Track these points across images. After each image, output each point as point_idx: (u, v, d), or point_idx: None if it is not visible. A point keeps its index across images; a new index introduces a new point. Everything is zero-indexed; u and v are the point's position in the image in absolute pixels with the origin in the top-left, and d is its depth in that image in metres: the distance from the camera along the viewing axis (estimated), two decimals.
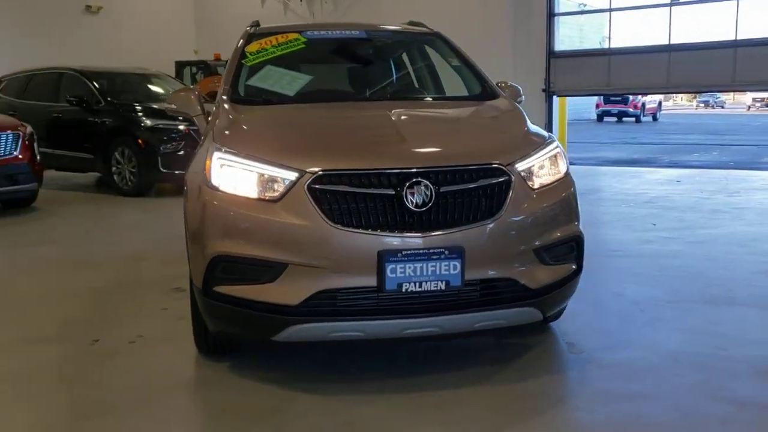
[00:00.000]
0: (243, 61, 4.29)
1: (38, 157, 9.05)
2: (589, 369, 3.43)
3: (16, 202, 9.09)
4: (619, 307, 4.34)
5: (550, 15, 13.26)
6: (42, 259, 5.99)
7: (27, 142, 8.82)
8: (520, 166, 3.22)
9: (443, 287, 2.98)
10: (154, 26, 17.37)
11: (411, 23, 5.13)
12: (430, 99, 4.31)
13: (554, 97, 13.46)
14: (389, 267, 2.93)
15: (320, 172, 3.00)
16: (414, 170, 3.01)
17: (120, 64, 13.42)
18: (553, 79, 13.28)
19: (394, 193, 2.96)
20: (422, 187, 2.97)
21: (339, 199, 2.98)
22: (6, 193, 8.75)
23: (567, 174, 3.47)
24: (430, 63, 4.79)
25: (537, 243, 3.19)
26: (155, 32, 17.15)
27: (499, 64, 13.25)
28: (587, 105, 37.24)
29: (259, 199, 3.06)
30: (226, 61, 13.91)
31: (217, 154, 3.23)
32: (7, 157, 8.50)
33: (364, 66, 4.81)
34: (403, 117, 3.66)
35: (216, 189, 3.14)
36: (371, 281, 2.95)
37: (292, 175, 3.02)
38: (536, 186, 3.26)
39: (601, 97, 30.68)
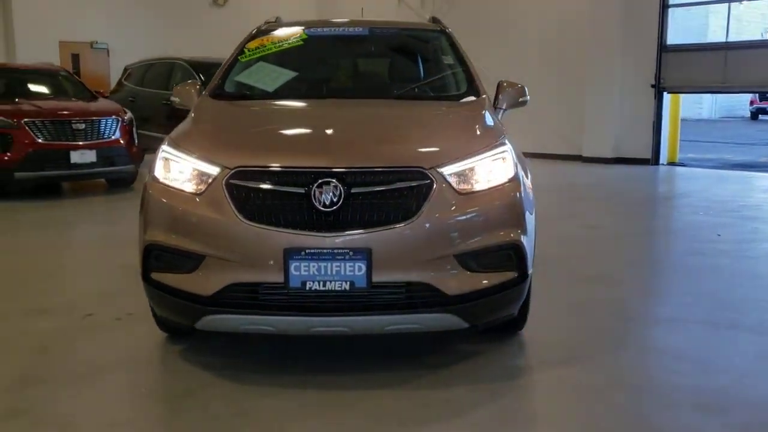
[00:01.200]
0: (239, 57, 4.43)
1: (136, 141, 9.79)
2: (512, 384, 3.30)
3: (118, 182, 9.89)
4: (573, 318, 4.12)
5: (664, 6, 12.49)
6: (109, 237, 6.46)
7: (126, 127, 9.56)
8: (448, 169, 3.14)
9: (348, 288, 2.98)
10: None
11: (433, 20, 5.09)
12: (403, 98, 4.26)
13: (665, 94, 12.69)
14: (293, 265, 2.97)
15: (237, 169, 3.09)
16: (324, 170, 3.03)
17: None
18: (664, 74, 12.52)
19: (303, 191, 3.00)
20: (331, 187, 2.98)
21: (252, 195, 3.06)
22: (106, 174, 9.55)
23: (513, 179, 3.32)
24: (430, 61, 4.72)
25: (459, 249, 3.10)
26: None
27: (605, 58, 12.74)
28: (741, 102, 34.79)
29: (188, 192, 3.19)
30: None
31: (162, 147, 3.40)
32: (107, 140, 9.26)
33: (356, 63, 4.82)
34: (351, 116, 3.68)
35: (156, 180, 3.32)
36: (279, 278, 3.00)
37: (215, 171, 3.13)
38: (467, 190, 3.17)
39: (756, 94, 28.56)
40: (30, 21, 14.91)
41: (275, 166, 3.09)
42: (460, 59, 4.37)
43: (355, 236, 2.98)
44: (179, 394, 3.17)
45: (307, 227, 2.99)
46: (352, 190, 3.01)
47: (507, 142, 3.46)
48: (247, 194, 3.06)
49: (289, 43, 4.52)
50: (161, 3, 16.48)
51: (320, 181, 3.00)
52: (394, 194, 3.04)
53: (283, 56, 4.46)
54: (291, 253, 2.97)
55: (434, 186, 3.07)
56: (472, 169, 3.23)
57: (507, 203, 3.26)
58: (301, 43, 4.54)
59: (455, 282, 3.11)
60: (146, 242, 3.26)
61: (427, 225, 3.04)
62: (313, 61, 4.65)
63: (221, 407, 3.01)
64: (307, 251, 2.97)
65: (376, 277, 3.01)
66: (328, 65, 4.74)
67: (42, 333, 3.93)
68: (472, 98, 3.98)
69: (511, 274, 3.29)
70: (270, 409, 3.00)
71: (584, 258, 5.73)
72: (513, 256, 3.28)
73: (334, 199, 2.98)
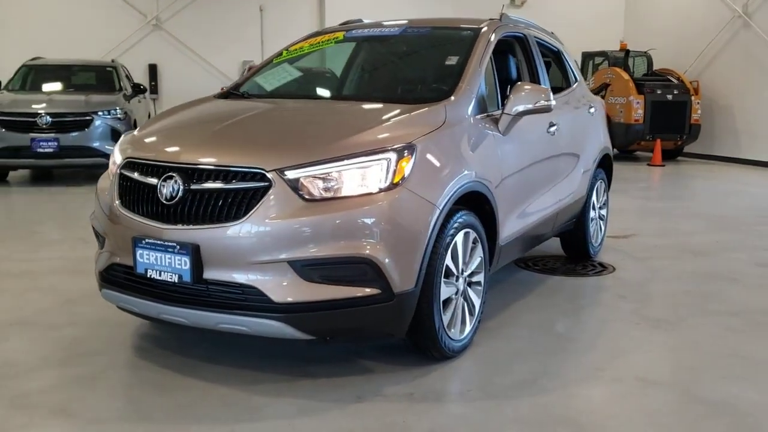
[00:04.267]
0: (274, 59, 4.69)
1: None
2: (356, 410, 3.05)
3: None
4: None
5: None
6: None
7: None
8: (293, 173, 3.04)
9: (176, 280, 3.10)
10: (581, 18, 17.49)
11: (501, 17, 4.74)
12: (359, 99, 4.03)
13: None
14: (138, 252, 3.18)
15: (127, 160, 3.40)
16: (170, 164, 3.18)
17: None
18: None
19: (155, 184, 3.19)
20: (172, 182, 3.12)
21: (128, 184, 3.35)
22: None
23: (386, 191, 3.07)
24: (433, 61, 4.42)
25: (294, 256, 3.00)
26: (581, 24, 17.26)
27: None
28: None
29: (108, 179, 3.60)
30: (628, 51, 13.63)
31: (122, 137, 3.85)
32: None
33: (363, 66, 4.68)
34: (257, 116, 3.72)
35: (109, 166, 3.78)
36: (131, 262, 3.25)
37: (119, 160, 3.49)
38: (315, 196, 3.03)
39: None
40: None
41: (141, 159, 3.33)
42: (465, 61, 4.02)
43: (183, 231, 3.08)
44: (85, 377, 3.58)
45: (152, 218, 3.18)
46: (191, 186, 3.10)
47: (407, 149, 3.18)
48: (125, 183, 3.36)
49: (320, 46, 4.63)
50: (446, 5, 17.02)
51: (165, 175, 3.16)
52: (229, 193, 3.05)
53: (306, 59, 4.59)
54: (137, 241, 3.18)
55: (271, 188, 3.01)
56: (327, 175, 3.07)
57: (367, 215, 3.03)
58: (333, 44, 4.62)
59: (286, 290, 3.01)
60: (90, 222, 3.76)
61: (257, 227, 2.99)
62: (344, 62, 4.70)
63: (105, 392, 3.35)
64: (146, 241, 3.15)
65: (209, 274, 3.06)
66: (351, 67, 4.73)
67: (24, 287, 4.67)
68: (434, 103, 3.66)
69: (370, 291, 3.06)
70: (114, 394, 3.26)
71: None
72: (369, 271, 3.04)
73: (173, 194, 3.11)
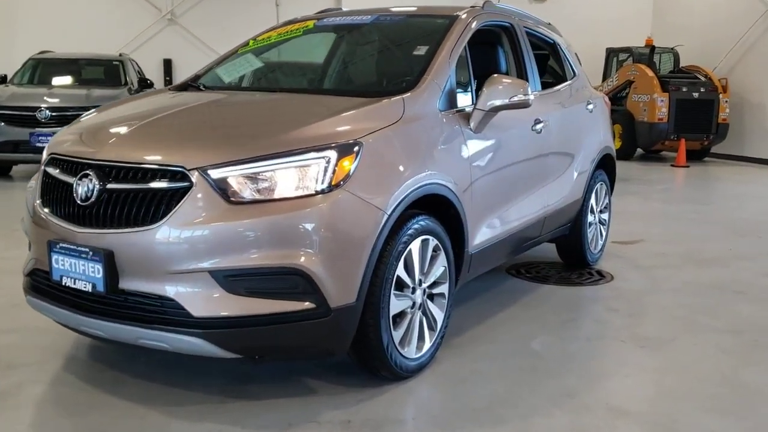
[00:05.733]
0: (239, 50, 4.38)
1: None
2: None
3: None
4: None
5: None
6: None
7: None
8: (217, 172, 2.72)
9: (90, 289, 2.80)
10: (608, 13, 16.95)
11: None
12: (315, 92, 3.71)
13: None
14: (53, 257, 2.90)
15: (50, 155, 3.12)
16: (87, 161, 2.88)
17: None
18: None
19: (72, 182, 2.90)
20: (88, 180, 2.83)
21: (48, 181, 3.07)
22: None
23: (324, 193, 2.75)
24: (401, 51, 4.06)
25: (216, 266, 2.68)
26: (607, 19, 16.74)
27: None
28: None
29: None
30: (653, 48, 13.11)
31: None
32: None
33: (340, 55, 4.33)
34: (211, 110, 3.40)
35: None
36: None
37: (45, 156, 3.20)
38: (242, 198, 2.71)
39: None
40: None
41: (62, 155, 3.04)
42: (434, 51, 3.67)
43: (96, 234, 2.78)
44: (11, 386, 3.31)
45: (67, 219, 2.89)
46: (108, 186, 2.80)
47: (351, 147, 2.85)
48: (47, 181, 3.08)
49: (288, 36, 4.31)
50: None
51: (81, 172, 2.87)
52: (147, 194, 2.75)
53: (270, 49, 4.28)
54: (52, 245, 2.90)
55: (192, 189, 2.70)
56: (256, 174, 2.74)
57: (299, 220, 2.71)
58: (301, 34, 4.30)
59: (207, 303, 2.70)
60: None
61: (175, 232, 2.68)
62: (289, 54, 4.37)
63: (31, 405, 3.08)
64: (61, 245, 2.87)
65: (126, 284, 2.76)
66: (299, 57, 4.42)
67: None
68: (392, 97, 3.32)
69: (303, 305, 2.74)
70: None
71: None
72: (301, 284, 2.72)
73: (89, 194, 2.82)
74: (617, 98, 14.19)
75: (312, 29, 4.33)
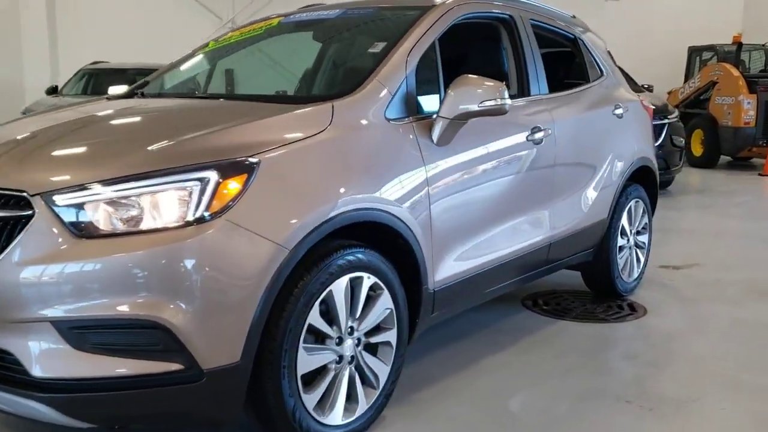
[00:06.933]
0: (198, 51, 3.90)
1: None
2: None
3: None
4: None
5: None
6: None
7: None
8: (62, 198, 2.20)
9: None
10: (694, 8, 15.70)
11: None
12: (253, 100, 3.13)
13: None
14: None
15: None
16: None
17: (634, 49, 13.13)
18: None
19: None
20: None
21: None
22: None
23: (196, 224, 2.19)
24: (358, 52, 3.45)
25: (59, 315, 2.16)
26: (693, 15, 15.50)
27: None
28: None
29: None
30: (740, 45, 11.99)
31: None
32: None
33: (289, 55, 3.78)
34: (105, 122, 2.89)
35: None
36: None
37: None
38: (96, 232, 2.18)
39: None
40: None
41: None
42: (390, 48, 3.05)
43: None
44: None
45: None
46: None
47: (240, 165, 2.29)
48: None
49: (249, 35, 3.79)
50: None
51: None
52: None
53: (226, 50, 3.78)
54: None
55: (34, 218, 2.19)
56: (110, 201, 2.21)
57: (160, 259, 2.16)
58: (262, 32, 3.77)
59: (48, 360, 2.19)
60: None
61: (11, 273, 2.18)
62: (242, 57, 3.83)
63: None
64: None
65: None
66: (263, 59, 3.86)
67: None
68: (319, 103, 2.73)
69: (168, 366, 2.20)
70: None
71: None
72: (163, 339, 2.17)
73: None
74: (699, 101, 13.02)
75: (275, 28, 3.78)
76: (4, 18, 14.54)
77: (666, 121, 9.07)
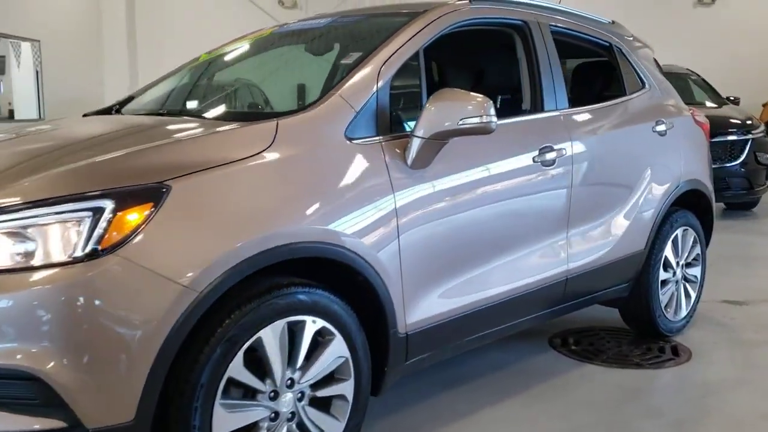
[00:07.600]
0: (187, 65, 3.67)
1: None
2: None
3: None
4: None
5: None
6: None
7: None
8: None
9: None
10: None
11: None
12: (199, 117, 2.83)
13: None
14: None
15: None
16: None
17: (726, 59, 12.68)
18: None
19: None
20: None
21: None
22: None
23: (84, 261, 1.92)
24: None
25: None
26: None
27: None
28: None
29: None
30: None
31: None
32: None
33: (263, 68, 3.43)
34: (38, 142, 2.64)
35: None
36: None
37: None
38: None
39: None
40: None
41: None
42: (360, 60, 2.71)
43: None
44: None
45: None
46: None
47: (143, 193, 2.01)
48: None
49: (239, 43, 3.54)
50: (638, 3, 14.77)
51: None
52: None
53: (211, 63, 3.52)
54: None
55: None
56: None
57: (38, 301, 1.89)
58: (246, 44, 3.51)
59: None
60: None
61: None
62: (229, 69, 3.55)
63: None
64: None
65: None
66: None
67: None
68: (263, 121, 2.42)
69: (50, 422, 1.93)
70: None
71: None
72: (41, 393, 1.91)
73: None
74: None
75: (267, 38, 3.51)
76: (85, 29, 14.95)
77: (749, 136, 8.28)
